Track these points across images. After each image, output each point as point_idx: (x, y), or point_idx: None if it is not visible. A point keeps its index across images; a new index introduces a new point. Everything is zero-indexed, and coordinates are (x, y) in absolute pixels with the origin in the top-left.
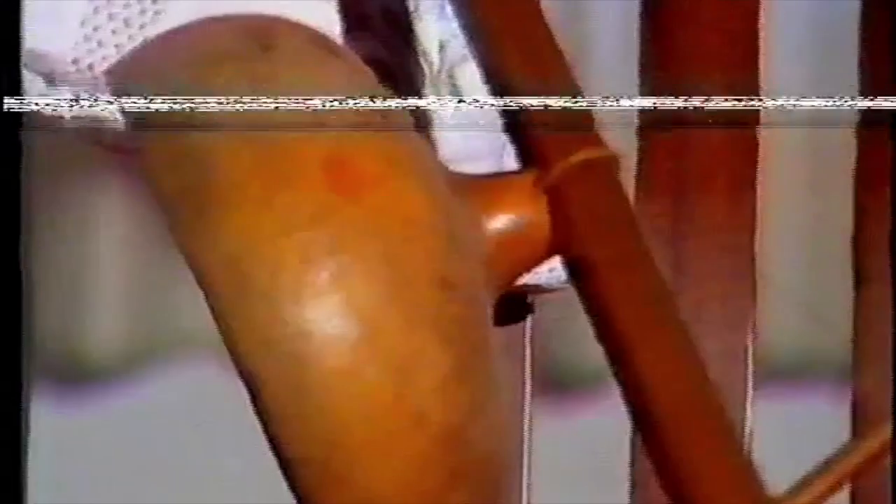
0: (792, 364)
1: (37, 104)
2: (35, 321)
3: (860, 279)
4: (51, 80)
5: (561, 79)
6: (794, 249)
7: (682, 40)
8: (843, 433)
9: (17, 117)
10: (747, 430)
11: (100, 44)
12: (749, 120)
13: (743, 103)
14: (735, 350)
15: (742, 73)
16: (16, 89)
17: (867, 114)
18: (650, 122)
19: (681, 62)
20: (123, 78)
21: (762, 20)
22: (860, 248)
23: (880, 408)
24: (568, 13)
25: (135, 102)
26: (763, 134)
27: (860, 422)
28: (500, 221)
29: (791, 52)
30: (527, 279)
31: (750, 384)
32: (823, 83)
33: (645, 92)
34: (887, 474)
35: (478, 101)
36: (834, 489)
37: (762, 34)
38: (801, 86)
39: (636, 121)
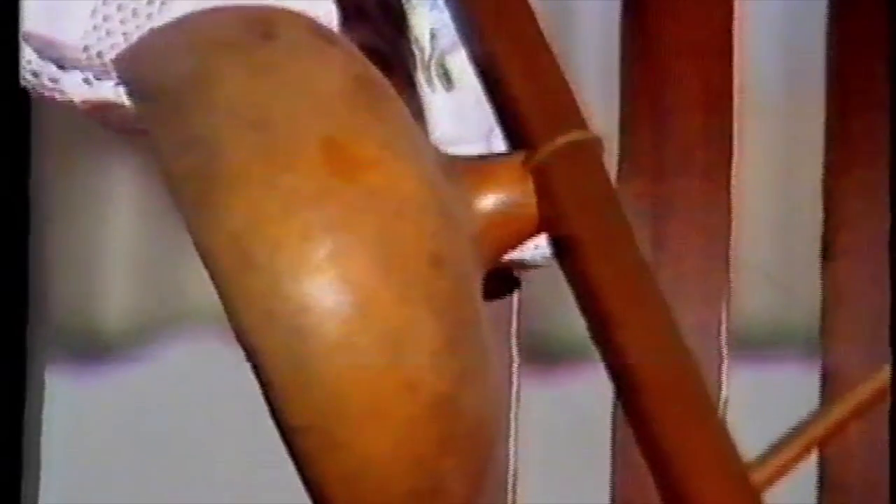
0: (764, 336)
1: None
2: (50, 297)
3: (828, 255)
4: (62, 65)
5: (546, 66)
6: (765, 228)
7: (660, 34)
8: (812, 401)
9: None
10: (722, 398)
11: (109, 32)
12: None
13: None
14: (710, 323)
15: (717, 64)
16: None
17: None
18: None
19: (659, 55)
20: (131, 65)
21: (737, 14)
22: (828, 226)
23: (848, 377)
24: (552, 11)
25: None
26: (737, 120)
27: (828, 390)
28: (488, 201)
29: (763, 45)
30: (514, 255)
31: (725, 355)
32: (793, 74)
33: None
34: (854, 440)
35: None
36: (803, 454)
37: (736, 29)
38: (772, 78)
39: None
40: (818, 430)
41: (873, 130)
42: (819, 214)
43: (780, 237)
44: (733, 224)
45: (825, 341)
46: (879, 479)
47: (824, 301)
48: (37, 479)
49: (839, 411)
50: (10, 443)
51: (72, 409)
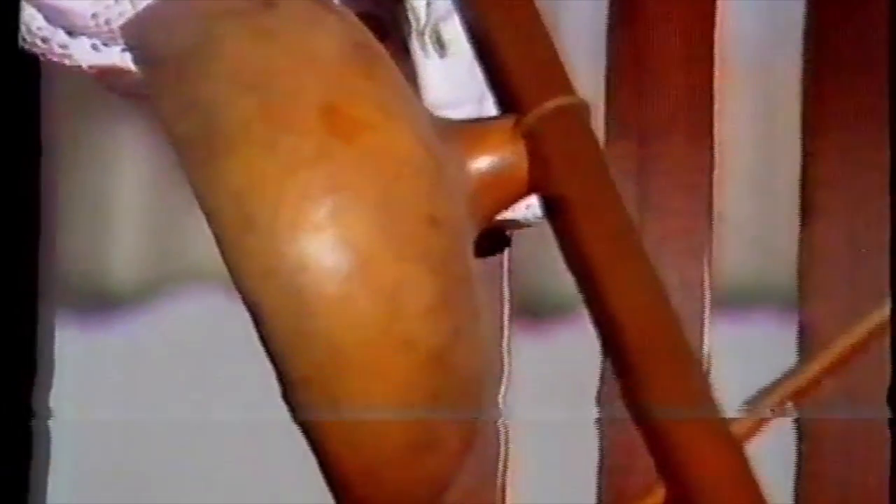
0: (744, 293)
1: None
2: (59, 253)
3: (806, 215)
4: (71, 32)
5: (536, 33)
6: (746, 188)
7: (645, 2)
8: (790, 356)
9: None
10: (705, 352)
11: (117, 1)
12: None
13: None
14: (693, 280)
15: (699, 29)
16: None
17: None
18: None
19: (644, 22)
20: (137, 31)
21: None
22: (806, 186)
23: (824, 333)
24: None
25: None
26: (718, 83)
27: (805, 346)
28: (481, 163)
29: (743, 9)
30: (505, 215)
31: (707, 311)
32: (772, 37)
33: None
34: (829, 393)
35: None
36: (781, 409)
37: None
38: (752, 41)
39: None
40: (796, 385)
41: (850, 92)
42: (797, 175)
43: (760, 197)
44: (715, 184)
45: (802, 298)
46: (854, 430)
47: (802, 259)
48: (46, 424)
49: (816, 366)
50: (22, 388)
51: (80, 358)
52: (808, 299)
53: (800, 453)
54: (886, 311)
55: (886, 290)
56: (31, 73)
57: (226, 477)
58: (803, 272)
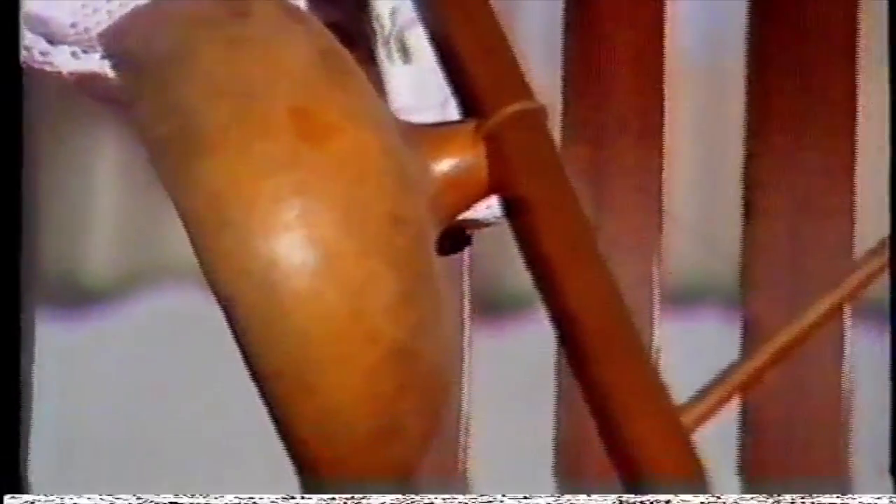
0: (691, 289)
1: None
2: (40, 252)
3: (748, 214)
4: (51, 40)
5: (496, 41)
6: (693, 189)
7: (600, 13)
8: (734, 349)
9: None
10: (654, 347)
11: (95, 10)
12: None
13: None
14: (644, 277)
15: (650, 42)
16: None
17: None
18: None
19: (600, 35)
20: (115, 39)
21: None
22: (749, 186)
23: (766, 327)
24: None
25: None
26: (668, 91)
27: (749, 340)
28: (444, 165)
29: (689, 20)
30: (466, 215)
31: (657, 307)
32: (717, 48)
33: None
34: (772, 386)
35: None
36: (727, 399)
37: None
38: (698, 51)
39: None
40: (741, 376)
41: (790, 97)
42: (740, 176)
43: (706, 197)
44: (664, 186)
45: (745, 293)
46: (795, 421)
47: (745, 256)
48: (29, 412)
49: (759, 359)
50: (8, 381)
51: (59, 352)
52: (750, 294)
53: (742, 442)
54: (825, 305)
55: (825, 285)
56: (14, 80)
57: (200, 465)
58: (746, 268)
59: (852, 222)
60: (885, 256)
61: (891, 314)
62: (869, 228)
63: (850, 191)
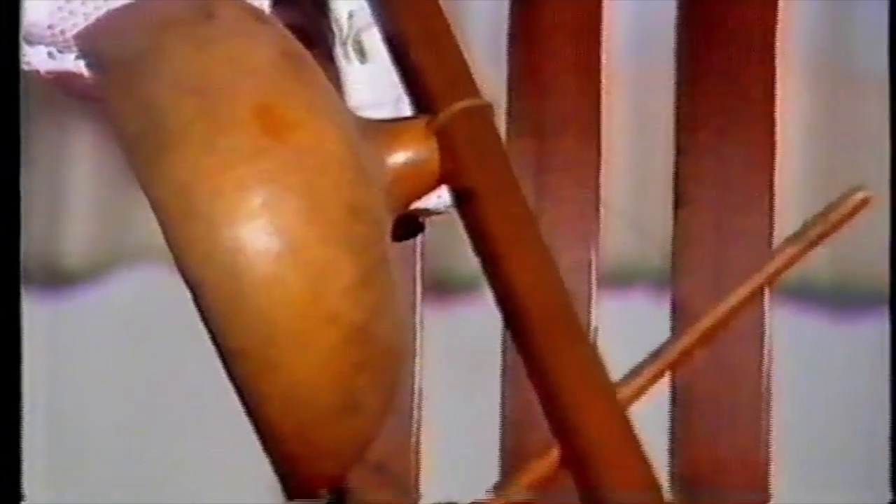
0: (625, 273)
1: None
2: (22, 236)
3: (679, 204)
4: (29, 41)
5: (446, 43)
6: (627, 181)
7: (541, 14)
8: (664, 330)
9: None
10: (592, 328)
11: (71, 13)
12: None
13: None
14: (582, 261)
15: (587, 41)
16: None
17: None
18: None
19: (540, 34)
20: (90, 40)
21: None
22: (679, 179)
23: (694, 309)
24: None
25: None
26: (604, 88)
27: (677, 319)
28: (398, 157)
29: (622, 22)
30: (418, 204)
31: (594, 290)
32: (648, 49)
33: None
34: (699, 364)
35: None
36: (658, 377)
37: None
38: (631, 51)
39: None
40: (671, 356)
41: (717, 95)
42: (671, 169)
43: (640, 188)
44: (601, 177)
45: (674, 277)
46: (721, 397)
47: (675, 243)
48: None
49: (688, 340)
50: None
51: (42, 329)
52: (679, 278)
53: (673, 416)
54: (747, 289)
55: (747, 270)
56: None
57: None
58: (675, 254)
59: (771, 213)
60: (800, 245)
61: (891, 313)
62: (786, 219)
63: (770, 184)
